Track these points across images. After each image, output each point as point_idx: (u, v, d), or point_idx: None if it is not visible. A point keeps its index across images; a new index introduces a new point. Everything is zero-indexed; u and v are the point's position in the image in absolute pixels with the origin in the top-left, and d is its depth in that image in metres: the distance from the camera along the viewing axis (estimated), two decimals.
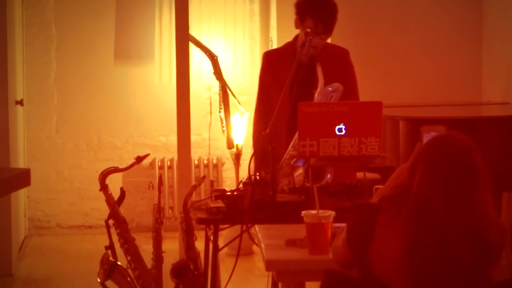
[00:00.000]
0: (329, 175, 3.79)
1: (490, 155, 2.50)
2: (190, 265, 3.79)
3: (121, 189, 3.91)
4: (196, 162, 7.16)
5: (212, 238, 3.66)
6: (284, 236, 3.01)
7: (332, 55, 4.23)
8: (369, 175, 3.84)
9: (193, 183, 5.20)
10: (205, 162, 7.22)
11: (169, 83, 6.95)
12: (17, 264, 6.17)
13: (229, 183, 7.07)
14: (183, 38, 5.26)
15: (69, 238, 7.13)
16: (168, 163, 7.15)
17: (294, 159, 3.72)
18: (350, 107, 3.61)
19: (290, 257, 2.87)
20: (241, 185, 3.63)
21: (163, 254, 3.99)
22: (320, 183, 3.67)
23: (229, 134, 6.55)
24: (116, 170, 4.02)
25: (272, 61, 4.31)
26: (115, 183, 4.68)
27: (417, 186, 2.32)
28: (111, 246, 3.92)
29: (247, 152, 6.72)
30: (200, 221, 3.55)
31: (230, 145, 6.58)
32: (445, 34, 6.00)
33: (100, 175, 3.93)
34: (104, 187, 3.92)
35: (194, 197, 3.94)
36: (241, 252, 3.56)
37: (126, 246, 3.94)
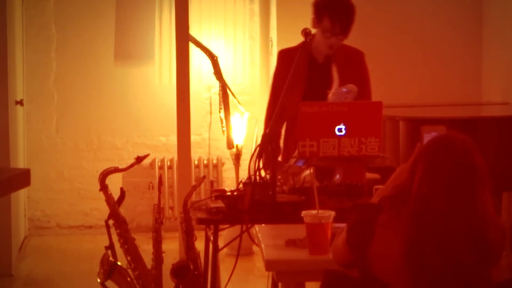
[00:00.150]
0: (338, 176, 3.79)
1: (490, 155, 2.50)
2: (190, 265, 3.79)
3: (121, 189, 3.91)
4: (196, 162, 7.16)
5: (212, 238, 3.66)
6: (284, 236, 3.01)
7: (347, 56, 4.21)
8: (369, 175, 3.84)
9: (193, 183, 5.20)
10: (205, 162, 7.22)
11: (169, 83, 6.95)
12: (17, 264, 6.17)
13: (229, 183, 7.07)
14: (183, 38, 5.26)
15: (69, 238, 7.13)
16: (168, 163, 7.15)
17: (294, 159, 3.72)
18: (350, 107, 3.61)
19: (290, 257, 2.86)
20: (241, 185, 3.63)
21: (163, 254, 3.99)
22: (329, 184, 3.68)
23: (229, 134, 6.55)
24: (116, 170, 4.02)
25: (287, 60, 4.29)
26: (115, 183, 4.68)
27: (417, 186, 2.32)
28: (111, 246, 3.92)
29: (247, 152, 6.72)
30: (200, 221, 3.55)
31: (230, 145, 6.58)
32: (445, 34, 6.00)
33: (100, 175, 3.93)
34: (104, 187, 3.92)
35: (194, 197, 3.94)
36: (241, 252, 3.56)
37: (126, 246, 3.94)
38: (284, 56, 4.34)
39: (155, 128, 7.29)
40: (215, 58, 6.48)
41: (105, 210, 4.02)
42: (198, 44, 6.48)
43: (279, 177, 3.67)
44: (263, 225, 3.30)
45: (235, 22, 7.15)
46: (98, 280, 3.88)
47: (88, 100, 7.23)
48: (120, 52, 7.21)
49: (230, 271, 3.72)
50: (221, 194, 3.68)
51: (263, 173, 3.55)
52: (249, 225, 3.46)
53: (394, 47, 5.94)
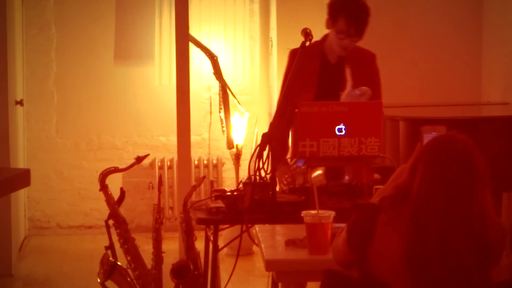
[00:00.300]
0: (347, 177, 3.79)
1: (490, 155, 2.50)
2: (190, 265, 3.79)
3: (121, 189, 3.91)
4: (196, 162, 7.16)
5: (212, 238, 3.66)
6: (284, 236, 3.02)
7: (360, 57, 4.19)
8: None
9: (193, 183, 5.19)
10: (205, 162, 7.22)
11: (169, 83, 6.95)
12: (17, 264, 6.17)
13: (229, 183, 7.07)
14: (183, 38, 5.26)
15: (69, 238, 7.13)
16: (168, 163, 7.15)
17: (294, 159, 3.72)
18: (350, 107, 3.61)
19: (290, 257, 2.86)
20: (241, 185, 3.63)
21: (163, 254, 3.98)
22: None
23: (229, 134, 6.55)
24: (116, 170, 4.02)
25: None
26: (115, 183, 4.69)
27: (417, 187, 2.32)
28: (111, 246, 3.92)
29: (247, 152, 6.73)
30: (200, 221, 3.55)
31: (230, 145, 6.58)
32: (445, 34, 6.00)
33: (100, 175, 3.93)
34: (104, 187, 3.92)
35: (194, 197, 3.94)
36: (241, 252, 3.56)
37: (126, 246, 3.94)
38: (295, 56, 4.34)
39: (155, 128, 7.29)
40: (215, 58, 6.48)
41: (105, 210, 4.02)
42: (198, 44, 6.48)
43: (286, 176, 3.67)
44: (263, 225, 3.30)
45: (235, 22, 7.15)
46: (98, 280, 3.88)
47: (88, 100, 7.23)
48: (120, 52, 7.21)
49: (230, 271, 3.72)
50: (221, 194, 3.68)
51: (263, 173, 3.55)
52: (249, 225, 3.45)
53: (394, 47, 5.94)
